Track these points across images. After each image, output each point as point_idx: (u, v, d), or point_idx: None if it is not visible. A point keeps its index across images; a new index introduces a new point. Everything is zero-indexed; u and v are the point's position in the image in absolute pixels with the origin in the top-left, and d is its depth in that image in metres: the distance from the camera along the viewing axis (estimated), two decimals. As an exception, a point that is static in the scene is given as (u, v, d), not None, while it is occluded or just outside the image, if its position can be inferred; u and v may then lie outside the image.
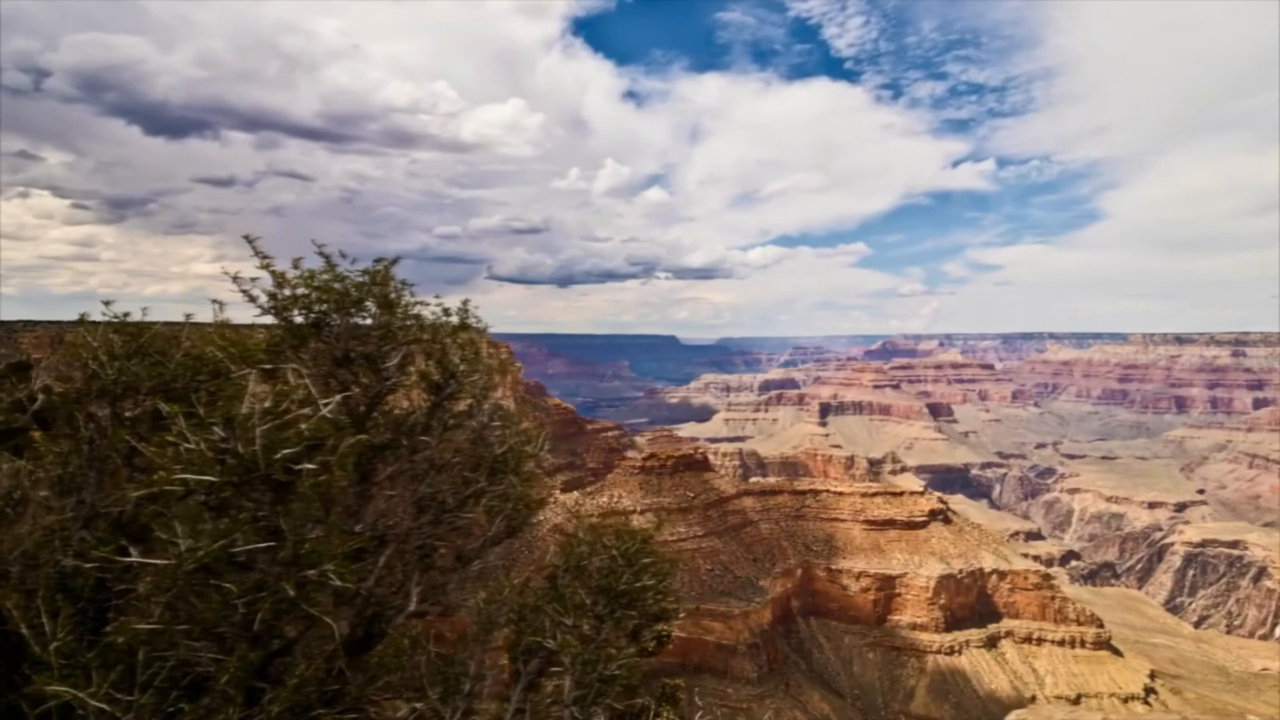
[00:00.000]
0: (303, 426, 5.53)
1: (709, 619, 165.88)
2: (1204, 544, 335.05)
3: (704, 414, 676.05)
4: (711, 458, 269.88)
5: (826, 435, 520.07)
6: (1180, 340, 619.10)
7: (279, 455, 5.32)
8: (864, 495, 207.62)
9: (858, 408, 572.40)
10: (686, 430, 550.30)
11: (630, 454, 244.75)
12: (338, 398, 6.28)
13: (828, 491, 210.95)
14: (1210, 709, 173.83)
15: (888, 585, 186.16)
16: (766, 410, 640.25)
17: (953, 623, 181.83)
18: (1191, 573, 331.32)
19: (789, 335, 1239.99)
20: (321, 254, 7.30)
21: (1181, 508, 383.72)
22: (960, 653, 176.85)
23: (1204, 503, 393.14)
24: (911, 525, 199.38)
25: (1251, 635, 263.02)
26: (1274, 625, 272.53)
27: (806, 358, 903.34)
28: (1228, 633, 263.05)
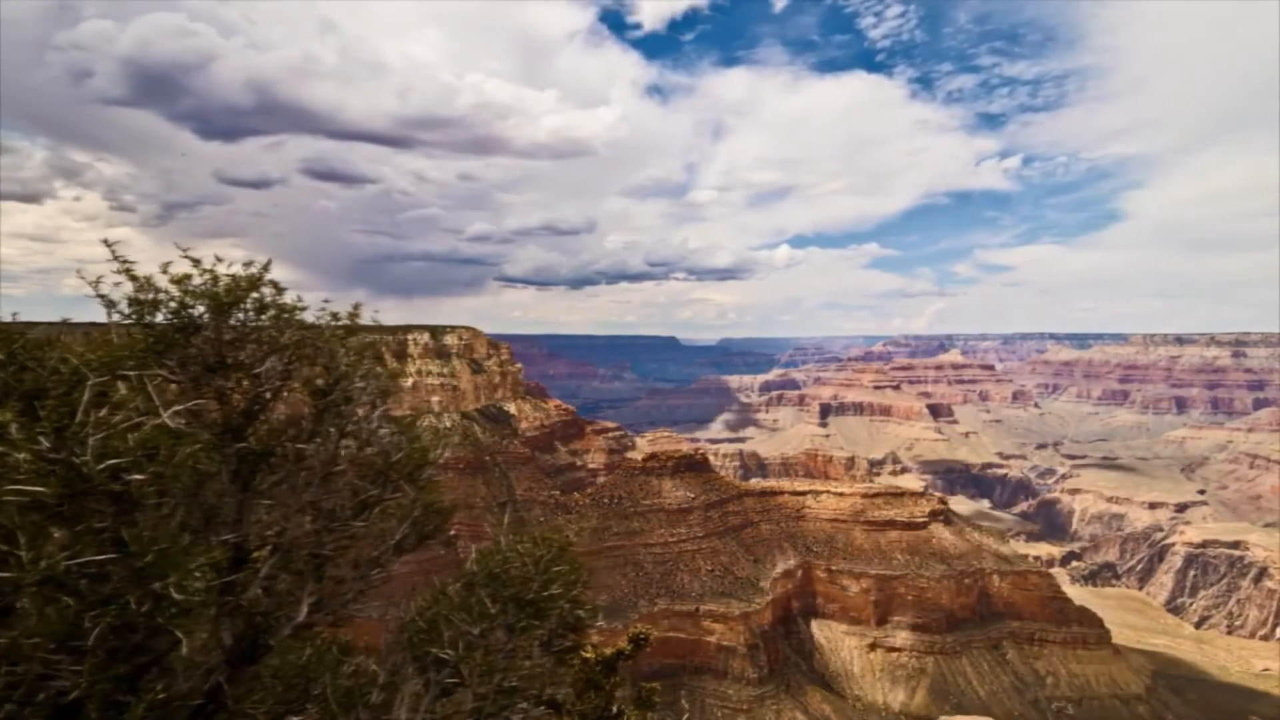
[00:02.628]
0: (130, 437, 5.30)
1: (710, 620, 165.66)
2: (1205, 544, 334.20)
3: (705, 415, 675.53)
4: (712, 459, 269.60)
5: (827, 436, 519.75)
6: (1181, 341, 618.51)
7: (104, 465, 5.13)
8: (865, 496, 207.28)
9: (858, 408, 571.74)
10: (687, 431, 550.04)
11: (631, 455, 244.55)
12: (177, 406, 5.98)
13: (828, 492, 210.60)
14: (1211, 709, 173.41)
15: (888, 586, 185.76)
16: (767, 411, 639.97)
17: (954, 623, 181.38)
18: (1192, 573, 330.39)
19: (790, 336, 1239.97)
20: (188, 257, 7.07)
21: (1182, 508, 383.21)
22: (961, 654, 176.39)
23: (1205, 503, 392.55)
24: (912, 526, 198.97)
25: (1252, 636, 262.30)
26: (1275, 626, 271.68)
27: (807, 358, 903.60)
28: (1228, 633, 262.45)
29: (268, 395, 7.10)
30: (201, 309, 6.96)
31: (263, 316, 7.25)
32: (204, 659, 5.89)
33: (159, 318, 6.88)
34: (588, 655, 12.28)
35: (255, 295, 7.21)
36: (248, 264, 7.34)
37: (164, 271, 6.91)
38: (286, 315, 7.35)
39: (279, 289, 7.38)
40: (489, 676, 7.16)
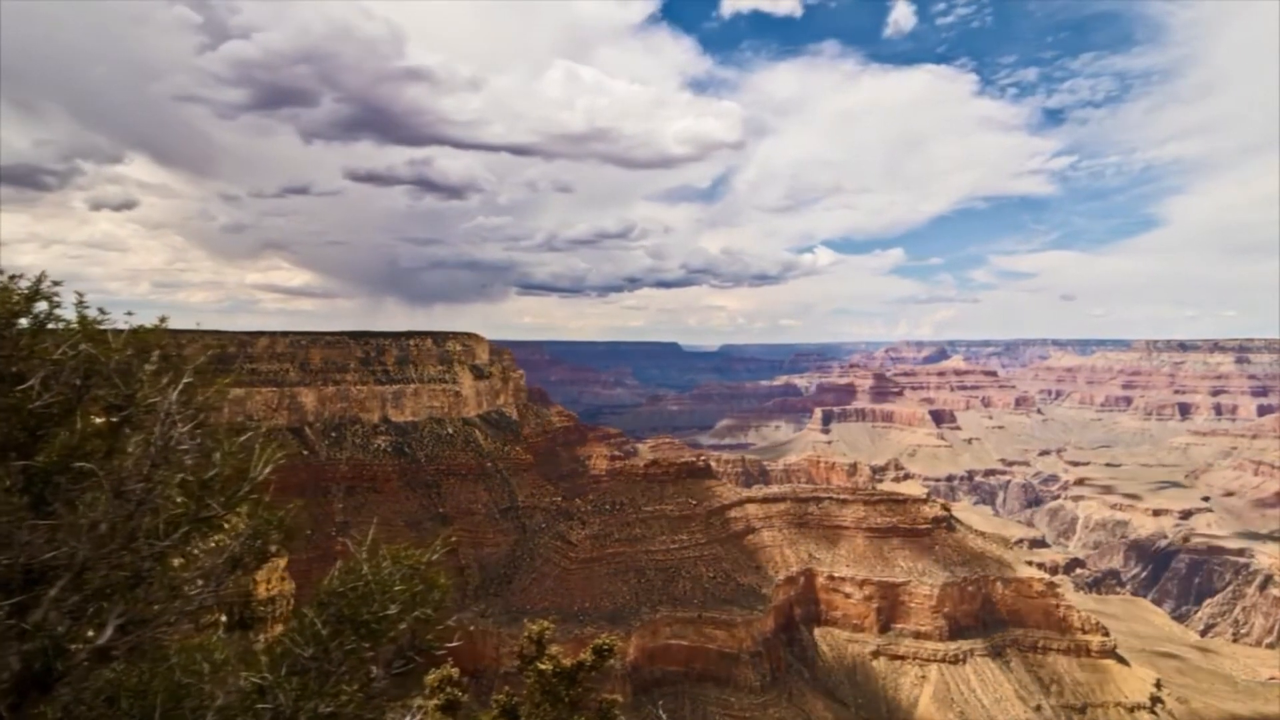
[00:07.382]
0: None
1: (711, 627, 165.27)
2: (1210, 551, 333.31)
3: (707, 421, 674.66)
4: (714, 465, 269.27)
5: (829, 442, 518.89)
6: (1184, 347, 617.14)
7: None
8: (867, 503, 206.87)
9: (861, 414, 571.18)
10: (689, 437, 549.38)
11: (633, 461, 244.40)
12: None
13: (830, 499, 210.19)
14: (1217, 718, 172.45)
15: (891, 593, 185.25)
16: (769, 417, 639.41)
17: (956, 631, 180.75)
18: (1197, 580, 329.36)
19: (794, 342, 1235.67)
20: None
21: (1186, 515, 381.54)
22: (964, 661, 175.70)
23: (1209, 510, 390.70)
24: (915, 533, 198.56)
25: (1258, 644, 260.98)
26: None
27: (810, 364, 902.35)
28: (1234, 641, 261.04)
29: (55, 411, 6.79)
30: None
31: (46, 329, 7.00)
32: None
33: None
34: (544, 667, 11.85)
35: (35, 310, 6.96)
36: (14, 277, 7.12)
37: None
38: (76, 330, 7.08)
39: (80, 302, 7.17)
40: (305, 702, 6.67)
